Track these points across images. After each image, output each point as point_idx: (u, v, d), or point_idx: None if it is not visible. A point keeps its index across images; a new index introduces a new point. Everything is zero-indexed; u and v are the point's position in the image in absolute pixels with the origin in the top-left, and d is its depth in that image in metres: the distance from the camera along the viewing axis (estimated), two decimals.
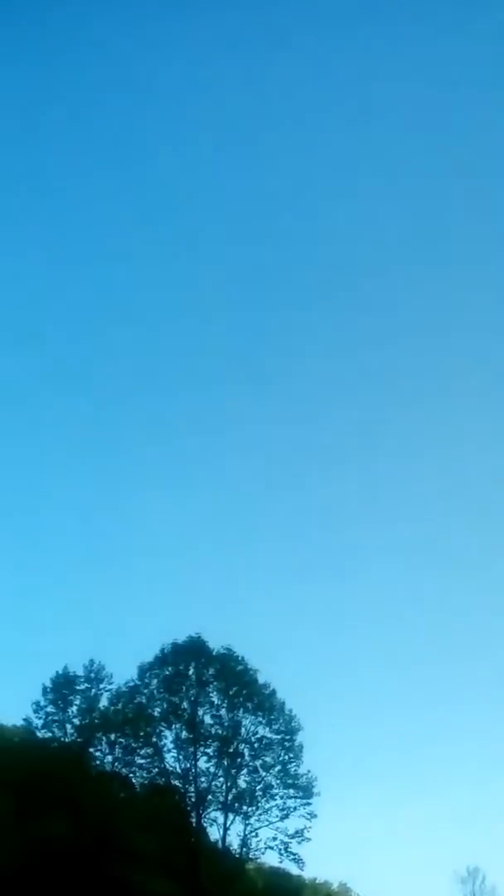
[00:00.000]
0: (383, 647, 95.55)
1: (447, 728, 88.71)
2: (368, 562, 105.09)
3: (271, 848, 47.47)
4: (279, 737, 49.13)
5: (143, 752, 48.22)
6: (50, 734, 47.64)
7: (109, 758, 48.18)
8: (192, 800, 47.99)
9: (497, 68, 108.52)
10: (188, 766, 48.09)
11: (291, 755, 48.96)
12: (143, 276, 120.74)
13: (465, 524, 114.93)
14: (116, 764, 48.38)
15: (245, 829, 47.78)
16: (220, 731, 48.45)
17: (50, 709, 47.45)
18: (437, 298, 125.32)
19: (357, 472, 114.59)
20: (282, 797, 48.18)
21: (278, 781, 48.45)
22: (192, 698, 48.63)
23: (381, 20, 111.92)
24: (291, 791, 48.29)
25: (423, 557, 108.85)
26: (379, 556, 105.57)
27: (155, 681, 48.95)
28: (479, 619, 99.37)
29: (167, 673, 49.01)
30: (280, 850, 47.34)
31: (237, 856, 48.68)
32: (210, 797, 47.98)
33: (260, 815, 48.09)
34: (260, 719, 49.25)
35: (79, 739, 47.73)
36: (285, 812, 47.86)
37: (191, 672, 48.93)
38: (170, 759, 48.38)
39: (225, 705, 48.76)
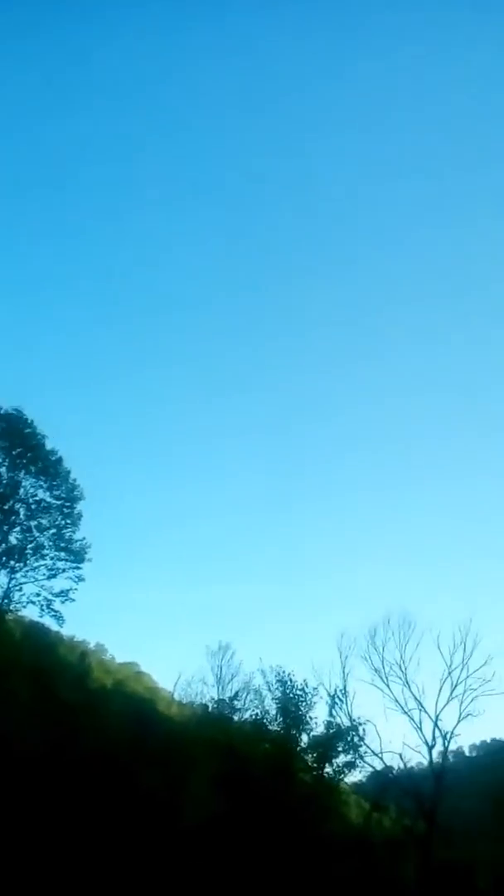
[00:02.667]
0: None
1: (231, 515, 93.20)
2: None
3: (33, 603, 48.10)
4: (59, 502, 48.72)
5: None
6: None
7: None
8: None
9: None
10: None
11: (69, 521, 48.89)
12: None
13: None
14: None
15: (9, 583, 47.91)
16: None
17: None
18: None
19: None
20: (52, 558, 48.42)
21: (51, 544, 48.47)
22: None
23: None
24: (63, 554, 48.57)
25: None
26: None
27: None
28: None
29: None
30: (42, 605, 48.14)
31: None
32: None
33: (27, 571, 48.22)
34: (41, 483, 48.34)
35: None
36: (53, 572, 48.26)
37: None
38: None
39: (6, 464, 47.09)
